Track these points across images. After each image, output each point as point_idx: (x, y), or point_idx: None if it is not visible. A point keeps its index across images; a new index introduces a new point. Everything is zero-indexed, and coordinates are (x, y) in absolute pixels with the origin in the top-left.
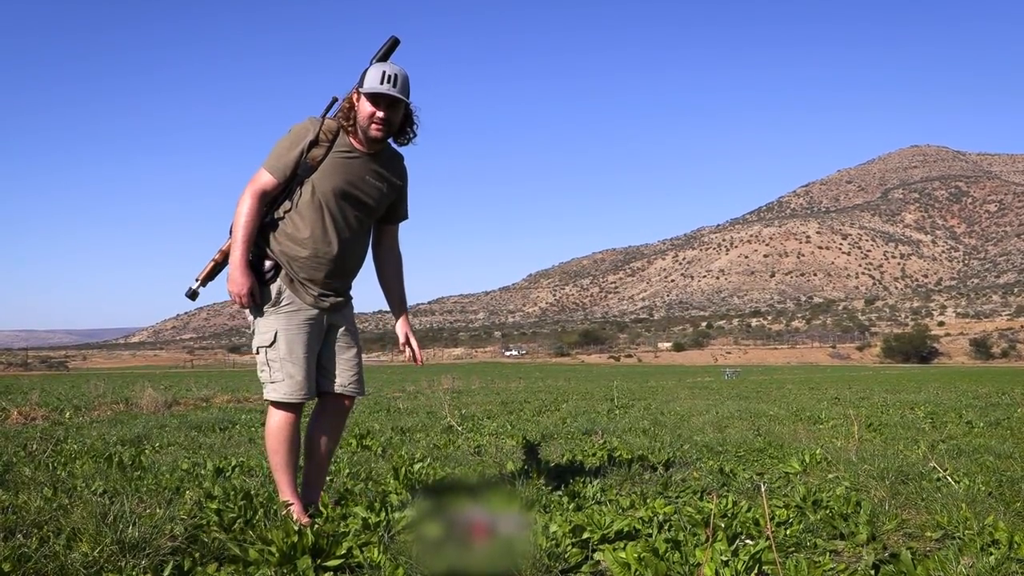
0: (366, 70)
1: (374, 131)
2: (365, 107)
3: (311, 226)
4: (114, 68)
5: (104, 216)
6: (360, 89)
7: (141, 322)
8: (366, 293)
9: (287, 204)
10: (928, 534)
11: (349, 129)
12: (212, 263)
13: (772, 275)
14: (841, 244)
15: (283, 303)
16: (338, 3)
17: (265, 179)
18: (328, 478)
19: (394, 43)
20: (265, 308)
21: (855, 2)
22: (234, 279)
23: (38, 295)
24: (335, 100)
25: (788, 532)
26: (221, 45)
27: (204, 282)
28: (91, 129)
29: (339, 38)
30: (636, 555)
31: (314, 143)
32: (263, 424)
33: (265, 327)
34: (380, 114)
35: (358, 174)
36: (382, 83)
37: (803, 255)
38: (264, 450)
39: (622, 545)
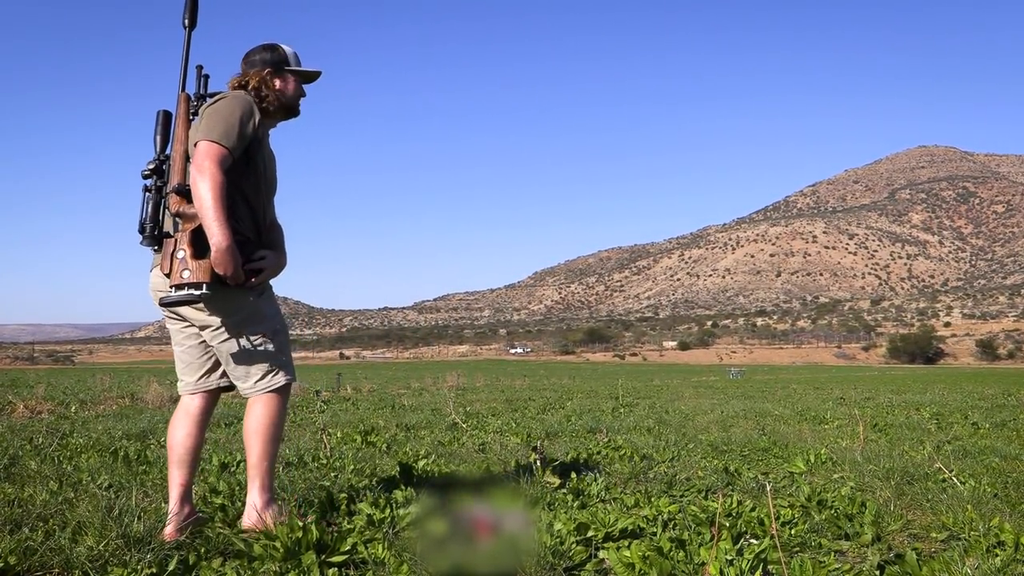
0: (273, 48)
1: (298, 109)
2: (295, 86)
3: (263, 207)
4: (116, 57)
5: (111, 210)
6: (289, 68)
7: (147, 317)
8: (370, 289)
9: (247, 183)
10: (933, 535)
11: (266, 107)
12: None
13: (778, 274)
14: (848, 244)
15: (267, 286)
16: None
17: (223, 153)
18: (333, 474)
19: (194, 2)
20: (256, 292)
21: (863, 1)
22: (230, 259)
23: (45, 289)
24: (207, 77)
25: (793, 532)
26: (226, 32)
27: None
28: (96, 123)
29: (333, 29)
30: (640, 554)
31: (259, 118)
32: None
33: (268, 311)
34: (304, 94)
35: (270, 149)
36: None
37: (809, 255)
38: (257, 445)
39: (626, 544)
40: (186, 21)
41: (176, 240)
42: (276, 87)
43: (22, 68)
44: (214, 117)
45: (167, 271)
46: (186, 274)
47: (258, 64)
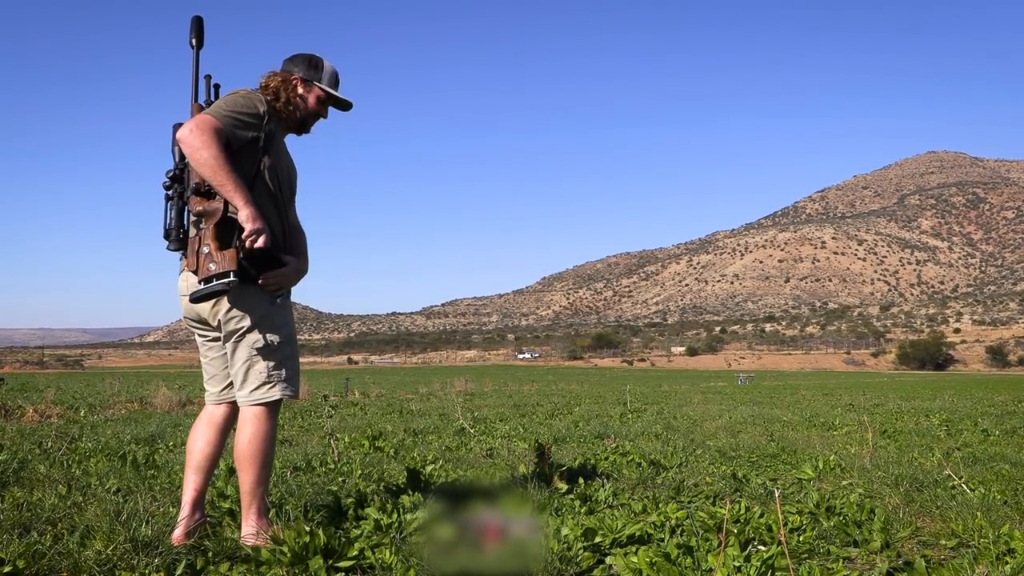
0: (314, 59)
1: (310, 125)
2: (314, 101)
3: (276, 210)
4: (126, 60)
5: (121, 216)
6: (320, 83)
7: (156, 322)
8: (378, 294)
9: (271, 178)
10: (943, 542)
11: (279, 109)
12: (234, 249)
13: (787, 280)
14: (856, 250)
15: (285, 294)
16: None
17: (213, 122)
18: (341, 479)
19: (198, 19)
20: (272, 297)
21: (872, 6)
22: (257, 216)
23: (54, 294)
24: (217, 87)
25: (801, 538)
26: (232, 39)
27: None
28: (106, 127)
29: (336, 37)
30: (648, 560)
31: (269, 117)
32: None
33: (280, 320)
34: (324, 115)
35: (288, 155)
36: (338, 88)
37: (818, 260)
38: (252, 470)
39: (634, 550)
40: (193, 41)
41: (200, 237)
42: (298, 93)
43: (31, 71)
44: (214, 103)
45: (194, 268)
46: (212, 266)
47: (294, 69)
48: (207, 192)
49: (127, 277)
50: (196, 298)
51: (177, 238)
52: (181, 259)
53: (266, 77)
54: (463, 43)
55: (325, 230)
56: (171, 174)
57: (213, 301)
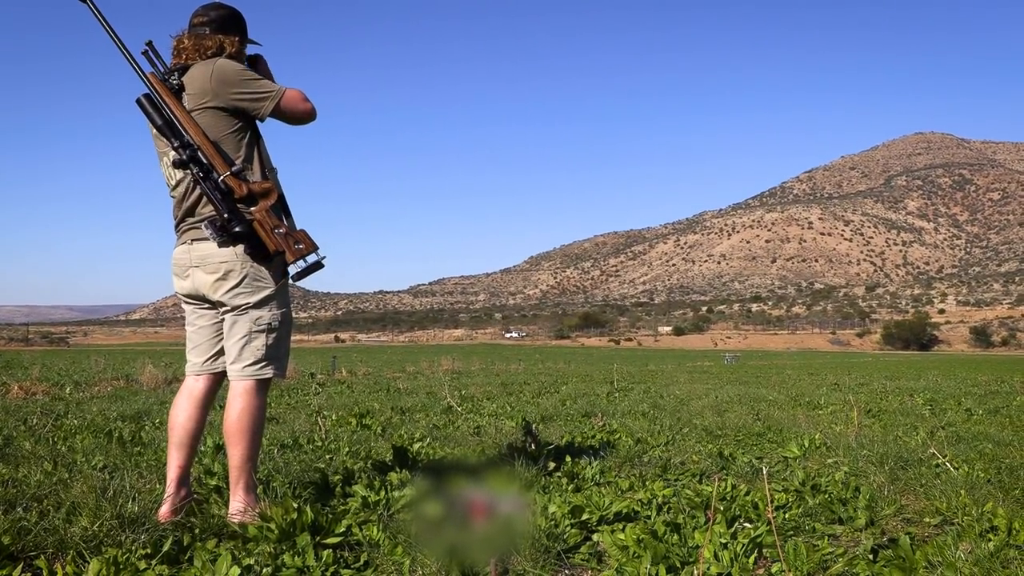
0: (235, 14)
1: None
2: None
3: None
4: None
5: (107, 192)
6: (251, 39)
7: (142, 299)
8: (366, 272)
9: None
10: (927, 520)
11: None
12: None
13: (773, 260)
14: (843, 230)
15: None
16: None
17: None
18: (328, 456)
19: None
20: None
21: None
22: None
23: (40, 271)
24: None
25: (787, 516)
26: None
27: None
28: (92, 103)
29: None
30: (635, 537)
31: None
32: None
33: (283, 299)
34: None
35: None
36: None
37: (805, 241)
38: (241, 446)
39: (621, 527)
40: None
41: (266, 219)
42: (244, 58)
43: (17, 52)
44: (248, 76)
45: (279, 249)
46: (299, 246)
47: (232, 29)
48: (241, 174)
49: (114, 254)
50: (300, 277)
51: (241, 221)
52: (177, 232)
53: (209, 40)
54: (451, 22)
55: (312, 208)
56: (185, 152)
57: (215, 278)
